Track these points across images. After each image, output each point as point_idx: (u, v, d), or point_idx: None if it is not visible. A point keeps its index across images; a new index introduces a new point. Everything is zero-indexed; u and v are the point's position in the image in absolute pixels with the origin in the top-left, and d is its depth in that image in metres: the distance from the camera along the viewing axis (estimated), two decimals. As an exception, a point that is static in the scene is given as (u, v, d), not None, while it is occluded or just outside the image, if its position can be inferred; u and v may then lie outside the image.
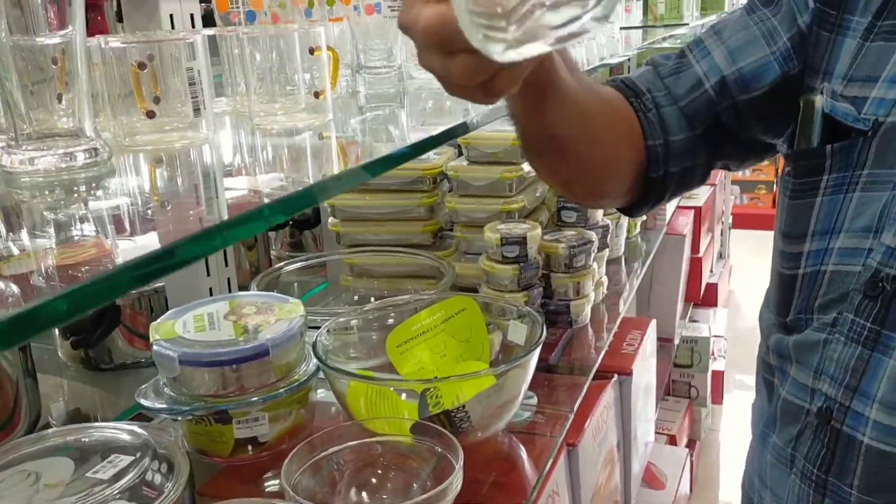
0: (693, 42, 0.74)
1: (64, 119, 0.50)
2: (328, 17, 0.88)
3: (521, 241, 1.15)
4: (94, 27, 1.36)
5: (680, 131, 0.71)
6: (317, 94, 0.63)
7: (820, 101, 0.63)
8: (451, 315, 1.04)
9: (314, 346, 0.92)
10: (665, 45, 1.90)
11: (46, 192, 0.46)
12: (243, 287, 1.22)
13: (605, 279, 1.36)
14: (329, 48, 0.67)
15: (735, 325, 3.19)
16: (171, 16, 1.01)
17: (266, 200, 0.47)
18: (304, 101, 0.63)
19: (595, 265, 1.27)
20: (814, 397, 0.64)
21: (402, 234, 1.34)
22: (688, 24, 2.18)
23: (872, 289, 0.58)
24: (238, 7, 0.86)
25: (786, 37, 0.67)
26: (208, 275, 1.10)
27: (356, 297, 1.34)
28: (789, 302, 0.67)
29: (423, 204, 1.31)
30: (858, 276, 0.60)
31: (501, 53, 0.39)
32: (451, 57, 0.44)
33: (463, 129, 0.75)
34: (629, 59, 2.24)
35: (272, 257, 1.65)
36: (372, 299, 1.33)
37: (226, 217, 0.45)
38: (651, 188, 0.73)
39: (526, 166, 1.25)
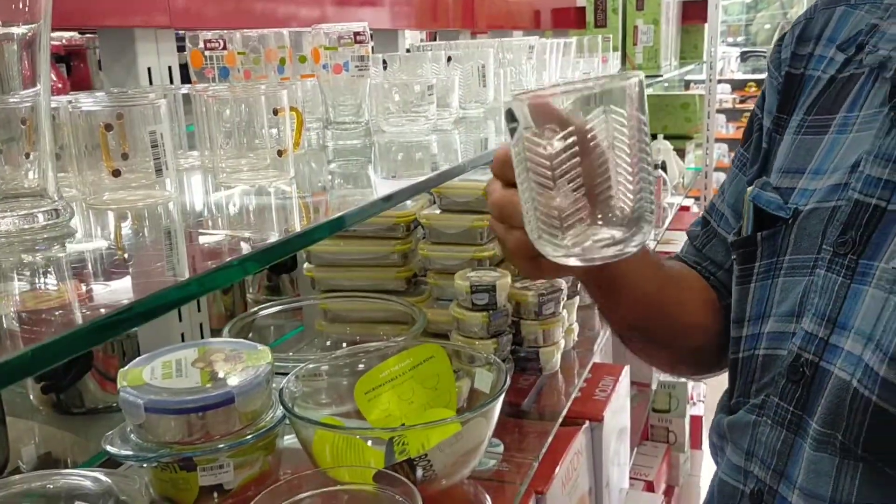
0: (709, 206, 0.81)
1: (29, 178, 0.52)
2: (300, 73, 0.92)
3: (491, 289, 1.17)
4: (77, 74, 1.40)
5: None
6: (280, 153, 0.65)
7: (749, 191, 0.67)
8: (420, 362, 1.06)
9: (281, 393, 0.93)
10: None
11: (7, 251, 0.48)
12: (217, 332, 1.23)
13: (575, 326, 1.38)
14: (293, 108, 0.70)
15: (715, 369, 3.20)
16: (150, 69, 1.05)
17: (230, 256, 0.49)
18: (268, 158, 0.65)
19: (565, 312, 1.29)
20: (747, 479, 0.65)
21: (376, 279, 1.36)
22: (662, 76, 2.24)
23: (794, 373, 0.60)
24: (212, 64, 0.89)
25: (757, 164, 0.72)
26: (180, 320, 1.11)
27: (329, 343, 1.36)
28: (733, 384, 0.70)
29: (397, 251, 1.33)
30: (783, 360, 0.62)
31: (551, 254, 0.47)
32: (510, 231, 0.54)
33: (432, 182, 0.78)
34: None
35: (248, 300, 1.67)
36: (344, 344, 1.35)
37: (187, 275, 0.47)
38: None
39: (497, 215, 1.27)
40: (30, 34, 0.49)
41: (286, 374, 1.04)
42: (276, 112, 0.65)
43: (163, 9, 1.01)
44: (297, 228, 0.51)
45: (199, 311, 1.15)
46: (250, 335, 1.45)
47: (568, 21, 2.82)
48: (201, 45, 0.89)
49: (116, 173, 0.59)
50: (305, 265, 1.39)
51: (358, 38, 0.83)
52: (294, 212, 0.59)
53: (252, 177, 0.65)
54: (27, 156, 0.53)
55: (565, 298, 1.29)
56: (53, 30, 0.56)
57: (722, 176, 4.86)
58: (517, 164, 0.48)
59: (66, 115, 0.57)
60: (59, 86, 1.31)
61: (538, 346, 1.26)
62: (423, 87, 0.99)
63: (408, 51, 1.67)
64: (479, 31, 2.20)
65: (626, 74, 0.47)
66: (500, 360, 1.11)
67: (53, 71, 1.32)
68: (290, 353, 1.32)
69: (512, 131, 0.47)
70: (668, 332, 0.76)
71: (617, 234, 0.46)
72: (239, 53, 0.88)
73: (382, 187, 0.70)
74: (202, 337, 1.15)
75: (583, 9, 2.75)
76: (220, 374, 0.90)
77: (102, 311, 0.38)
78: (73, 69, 1.39)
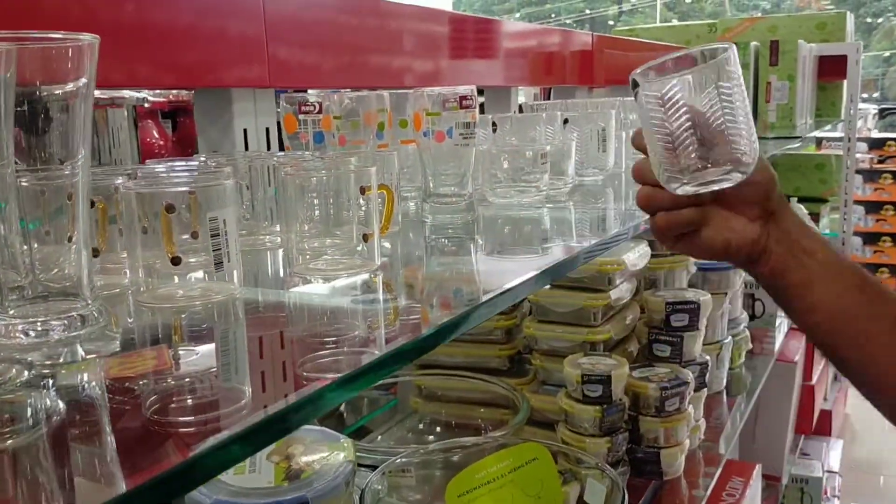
0: None
1: (66, 269, 0.44)
2: (400, 139, 0.83)
3: (605, 380, 1.03)
4: (183, 130, 1.38)
5: None
6: (365, 237, 0.56)
7: None
8: (521, 464, 0.93)
9: (362, 495, 0.83)
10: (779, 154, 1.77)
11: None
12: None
13: (702, 423, 1.21)
14: (382, 187, 0.60)
15: (851, 455, 2.88)
16: (245, 131, 0.99)
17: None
18: (352, 243, 0.56)
19: (691, 408, 1.13)
20: None
21: (476, 356, 1.25)
22: (800, 138, 2.04)
23: None
24: (307, 128, 0.81)
25: None
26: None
27: (421, 424, 1.25)
28: None
29: (499, 326, 1.22)
30: None
31: (676, 190, 0.61)
32: (650, 193, 0.64)
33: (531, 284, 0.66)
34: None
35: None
36: (438, 429, 1.24)
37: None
38: None
39: (614, 293, 1.14)
40: (66, 95, 0.41)
41: (371, 466, 0.94)
42: (363, 191, 0.55)
43: (261, 64, 0.95)
44: (375, 355, 0.41)
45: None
46: (341, 408, 1.37)
47: (693, 76, 2.66)
48: (296, 107, 0.81)
49: (176, 260, 0.50)
50: (402, 337, 1.29)
51: (464, 102, 0.73)
52: (378, 323, 0.49)
53: (333, 265, 0.56)
54: (69, 239, 0.46)
55: (692, 392, 1.12)
56: (145, 88, 0.48)
57: (859, 241, 4.47)
58: (643, 122, 0.61)
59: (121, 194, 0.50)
60: (161, 142, 1.29)
61: (659, 446, 1.10)
62: (535, 154, 0.88)
63: (520, 109, 1.57)
64: (598, 86, 2.09)
65: (721, 45, 0.60)
66: (615, 466, 0.97)
67: (156, 127, 1.31)
68: (379, 438, 1.22)
69: (635, 95, 0.60)
70: (858, 363, 0.64)
71: (722, 170, 0.60)
72: (335, 118, 0.80)
73: (486, 281, 0.59)
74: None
75: (709, 63, 2.59)
76: (297, 469, 0.80)
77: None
78: (179, 125, 1.38)
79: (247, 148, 0.99)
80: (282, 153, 0.75)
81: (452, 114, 0.74)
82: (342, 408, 1.43)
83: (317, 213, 0.55)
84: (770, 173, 0.66)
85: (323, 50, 1.04)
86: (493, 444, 0.94)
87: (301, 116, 0.81)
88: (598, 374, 1.03)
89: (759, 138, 2.14)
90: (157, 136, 1.29)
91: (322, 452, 0.83)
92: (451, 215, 0.76)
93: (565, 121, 1.10)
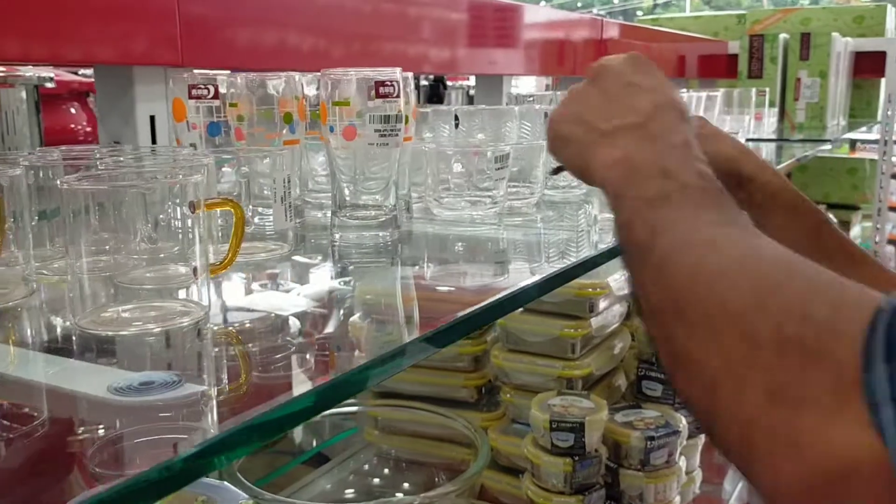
0: None
1: None
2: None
3: (578, 428, 0.86)
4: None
5: None
6: (195, 271, 0.39)
7: None
8: (464, 535, 0.77)
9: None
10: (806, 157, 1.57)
11: None
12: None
13: (698, 473, 1.04)
14: (227, 201, 0.43)
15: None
16: (153, 118, 0.83)
17: None
18: (175, 282, 0.40)
19: (682, 461, 0.95)
20: None
21: (440, 385, 1.08)
22: (829, 141, 1.84)
23: None
24: (199, 117, 0.65)
25: None
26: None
27: (375, 459, 1.09)
28: None
29: (466, 352, 1.05)
30: None
31: None
32: None
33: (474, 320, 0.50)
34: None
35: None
36: (385, 470, 1.08)
37: None
38: None
39: (596, 321, 0.97)
40: None
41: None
42: (193, 208, 0.39)
43: (170, 39, 0.79)
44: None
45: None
46: (296, 431, 1.22)
47: (717, 70, 2.46)
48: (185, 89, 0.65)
49: None
50: (356, 359, 1.13)
51: (381, 90, 0.57)
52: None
53: (137, 318, 0.39)
54: None
55: (684, 441, 0.95)
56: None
57: (892, 250, 4.24)
58: None
59: None
60: (89, 129, 1.13)
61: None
62: (493, 155, 0.71)
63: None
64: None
65: None
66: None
67: (83, 112, 1.15)
68: (335, 470, 1.06)
69: None
70: None
71: None
72: (231, 105, 0.64)
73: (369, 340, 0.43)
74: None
75: (735, 56, 2.39)
76: (173, 544, 0.64)
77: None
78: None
79: (154, 140, 0.83)
80: (105, 148, 0.59)
81: (366, 104, 0.57)
82: (300, 432, 1.28)
83: (119, 238, 0.39)
84: None
85: (250, 24, 0.88)
86: (433, 507, 0.78)
87: (191, 102, 0.65)
88: (569, 421, 0.86)
89: (784, 140, 1.91)
90: (84, 122, 1.13)
91: (208, 521, 0.67)
92: (361, 232, 0.60)
93: (546, 115, 0.93)
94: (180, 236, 0.39)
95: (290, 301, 0.49)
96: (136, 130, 0.82)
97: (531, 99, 1.19)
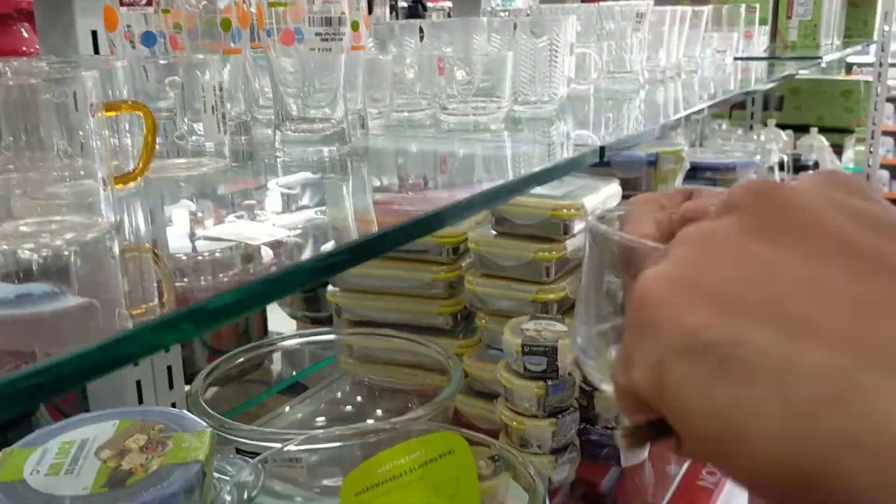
0: None
1: None
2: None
3: (551, 352, 0.84)
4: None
5: None
6: (104, 183, 0.36)
7: None
8: (434, 457, 0.75)
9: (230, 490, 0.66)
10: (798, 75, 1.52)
11: None
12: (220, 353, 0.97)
13: (675, 395, 1.03)
14: (133, 104, 0.39)
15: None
16: (95, 33, 0.78)
17: None
18: (79, 192, 0.36)
19: (658, 383, 0.94)
20: None
21: (415, 313, 1.06)
22: (821, 59, 1.78)
23: None
24: (131, 27, 0.61)
25: None
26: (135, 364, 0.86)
27: (349, 387, 1.08)
28: None
29: (440, 279, 1.02)
30: None
31: None
32: None
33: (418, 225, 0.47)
34: (750, 98, 1.86)
35: (288, 314, 1.41)
36: (359, 398, 1.07)
37: None
38: None
39: (571, 244, 0.94)
40: None
41: (255, 453, 0.77)
42: (93, 112, 0.35)
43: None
44: None
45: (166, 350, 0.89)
46: (274, 361, 1.21)
47: (707, -12, 2.37)
48: (117, -2, 0.61)
49: None
50: (329, 288, 1.11)
51: (320, -13, 0.52)
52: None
53: (35, 231, 0.36)
54: None
55: (660, 363, 0.93)
56: None
57: (886, 175, 4.18)
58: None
59: None
60: (33, 52, 1.08)
61: (617, 427, 0.92)
62: (450, 68, 0.67)
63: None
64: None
65: None
66: (561, 452, 0.80)
67: (33, 34, 1.09)
68: (308, 400, 1.05)
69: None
70: None
71: None
72: (164, 11, 0.60)
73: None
74: (170, 385, 0.89)
75: (726, -27, 2.30)
76: (126, 470, 0.63)
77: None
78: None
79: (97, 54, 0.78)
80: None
81: (304, 5, 0.53)
82: (277, 362, 1.27)
83: (18, 146, 0.36)
84: None
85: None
86: (402, 432, 0.77)
87: (124, 10, 0.60)
88: (541, 345, 0.84)
89: (776, 58, 1.83)
90: (36, 44, 1.07)
91: (164, 450, 0.66)
92: (304, 147, 0.56)
93: (514, 26, 0.88)
94: (82, 145, 0.36)
95: (209, 219, 0.46)
96: (77, 48, 0.77)
97: (507, 13, 1.14)
